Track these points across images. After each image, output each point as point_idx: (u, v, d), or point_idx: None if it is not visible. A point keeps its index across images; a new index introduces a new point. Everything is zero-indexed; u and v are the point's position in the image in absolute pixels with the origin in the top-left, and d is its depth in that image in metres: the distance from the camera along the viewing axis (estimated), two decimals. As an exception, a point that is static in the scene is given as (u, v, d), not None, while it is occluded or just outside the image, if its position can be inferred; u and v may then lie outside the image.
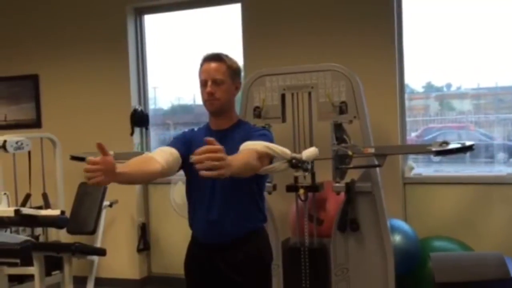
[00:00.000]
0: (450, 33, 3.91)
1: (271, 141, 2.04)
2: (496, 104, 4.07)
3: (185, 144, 2.13)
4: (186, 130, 2.26)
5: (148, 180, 2.07)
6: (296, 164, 1.99)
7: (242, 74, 4.18)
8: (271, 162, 2.02)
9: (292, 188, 3.36)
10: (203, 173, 1.56)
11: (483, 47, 3.84)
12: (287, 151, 1.99)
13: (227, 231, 2.06)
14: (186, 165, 2.13)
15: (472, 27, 3.84)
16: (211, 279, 2.11)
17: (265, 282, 2.15)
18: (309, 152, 2.03)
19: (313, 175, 3.35)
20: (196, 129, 2.24)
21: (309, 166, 2.04)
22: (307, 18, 4.10)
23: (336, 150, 3.21)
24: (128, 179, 1.86)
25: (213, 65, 2.06)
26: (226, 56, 2.12)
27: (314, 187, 3.35)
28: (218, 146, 1.59)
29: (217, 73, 2.05)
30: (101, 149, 1.68)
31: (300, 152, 2.05)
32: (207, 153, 1.56)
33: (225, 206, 2.05)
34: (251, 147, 1.91)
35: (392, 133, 3.90)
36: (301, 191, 3.30)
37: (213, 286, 2.11)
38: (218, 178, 1.62)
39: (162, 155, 2.01)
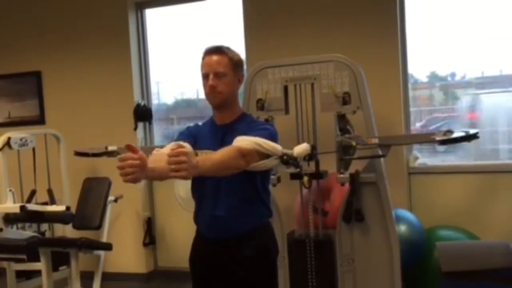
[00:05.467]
0: (453, 22, 3.88)
1: (270, 136, 2.01)
2: (501, 93, 4.05)
3: (190, 139, 2.12)
4: (191, 125, 2.26)
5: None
6: (287, 160, 1.98)
7: (245, 67, 4.21)
8: (268, 158, 2.00)
9: (296, 175, 3.35)
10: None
11: (487, 35, 3.81)
12: (278, 147, 1.99)
13: (232, 227, 2.06)
14: None
15: (475, 16, 3.81)
16: (217, 275, 2.10)
17: (270, 277, 2.14)
18: (300, 149, 2.02)
19: (317, 163, 3.33)
20: (200, 123, 2.23)
21: (300, 163, 2.03)
22: (309, 9, 4.07)
23: (339, 141, 3.20)
24: (157, 176, 1.79)
25: (214, 57, 2.05)
26: (228, 48, 2.10)
27: (318, 174, 3.33)
28: (180, 150, 1.65)
29: (219, 65, 2.04)
30: (131, 149, 1.67)
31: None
32: (172, 157, 1.64)
33: (230, 202, 2.04)
34: (237, 143, 1.92)
35: (396, 123, 3.89)
36: (305, 178, 3.29)
37: (219, 281, 2.11)
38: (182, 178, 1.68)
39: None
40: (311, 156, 2.08)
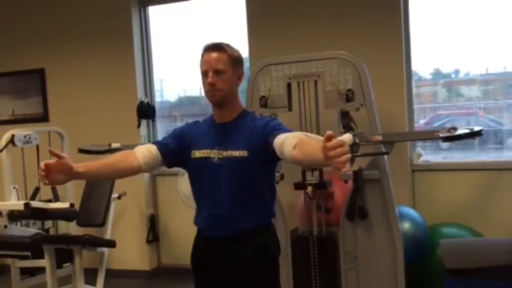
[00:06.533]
0: (457, 19, 3.87)
1: None
2: (505, 90, 4.03)
3: (181, 139, 2.11)
4: (190, 122, 2.23)
5: (122, 176, 2.14)
6: None
7: (248, 64, 4.21)
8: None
9: (300, 185, 3.36)
10: (343, 169, 1.45)
11: (491, 32, 3.79)
12: (321, 139, 1.95)
13: (232, 226, 2.04)
14: (183, 160, 2.12)
15: (479, 12, 3.80)
16: (217, 274, 2.09)
17: (271, 276, 2.13)
18: (344, 139, 2.00)
19: (320, 172, 3.34)
20: (200, 120, 2.21)
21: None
22: (312, 6, 4.06)
23: (343, 138, 3.19)
24: (91, 177, 2.07)
25: (214, 55, 2.02)
26: (227, 45, 2.07)
27: (322, 184, 3.34)
28: (340, 141, 1.47)
29: (218, 63, 2.01)
30: (54, 154, 1.87)
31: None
32: (338, 148, 1.45)
33: (231, 201, 2.02)
34: (291, 135, 1.81)
35: (399, 121, 3.88)
36: (309, 188, 3.29)
37: (220, 280, 2.10)
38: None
39: (143, 152, 2.08)
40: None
